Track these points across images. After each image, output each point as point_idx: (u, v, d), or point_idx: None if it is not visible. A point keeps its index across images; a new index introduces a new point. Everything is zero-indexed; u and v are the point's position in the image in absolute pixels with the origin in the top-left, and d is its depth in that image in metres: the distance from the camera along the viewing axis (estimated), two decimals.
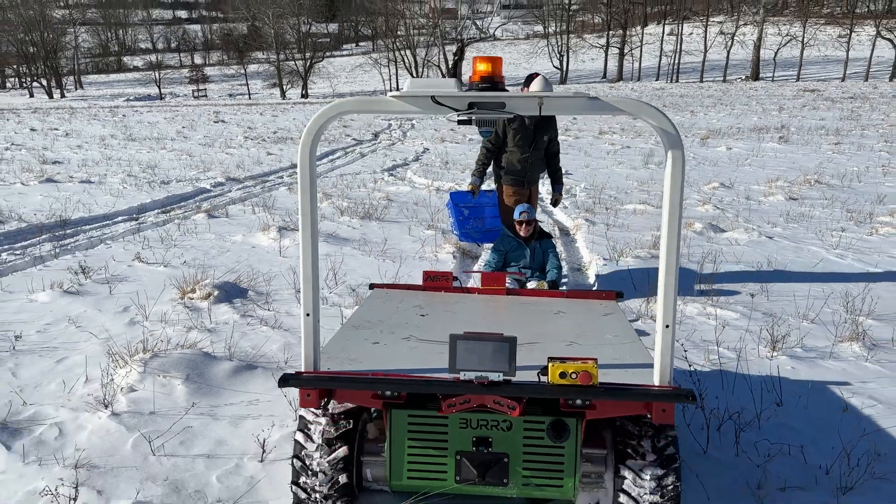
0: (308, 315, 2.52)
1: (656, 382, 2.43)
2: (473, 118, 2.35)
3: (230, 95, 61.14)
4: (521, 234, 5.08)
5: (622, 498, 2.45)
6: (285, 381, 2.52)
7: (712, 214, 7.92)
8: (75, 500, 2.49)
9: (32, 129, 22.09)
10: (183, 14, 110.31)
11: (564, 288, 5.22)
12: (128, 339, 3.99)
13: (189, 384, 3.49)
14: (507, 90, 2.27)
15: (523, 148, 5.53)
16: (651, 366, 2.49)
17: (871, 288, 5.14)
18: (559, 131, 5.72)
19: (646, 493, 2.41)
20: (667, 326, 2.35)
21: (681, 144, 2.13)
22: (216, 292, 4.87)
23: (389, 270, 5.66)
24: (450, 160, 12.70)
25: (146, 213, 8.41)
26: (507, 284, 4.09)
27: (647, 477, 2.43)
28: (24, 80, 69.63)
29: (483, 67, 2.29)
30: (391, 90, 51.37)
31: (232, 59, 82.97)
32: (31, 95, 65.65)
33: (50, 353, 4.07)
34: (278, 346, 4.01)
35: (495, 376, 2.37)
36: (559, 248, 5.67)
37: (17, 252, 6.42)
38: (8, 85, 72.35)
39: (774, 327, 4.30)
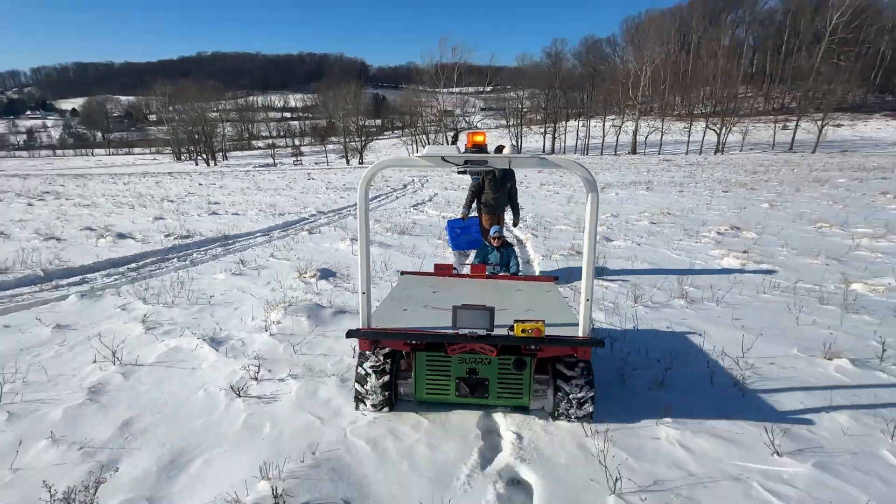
0: (363, 293, 2.76)
1: (580, 335, 2.66)
2: (468, 170, 2.65)
3: (316, 164, 72.43)
4: (494, 244, 5.40)
5: (559, 402, 2.74)
6: (350, 334, 2.78)
7: (604, 231, 9.01)
8: (258, 373, 3.28)
9: (199, 184, 24.68)
10: (288, 115, 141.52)
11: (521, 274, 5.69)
12: (273, 298, 4.96)
13: (309, 320, 4.27)
14: (488, 153, 2.61)
15: (495, 191, 5.98)
16: (577, 324, 2.74)
17: (693, 270, 6.23)
18: (517, 182, 6.37)
19: (574, 398, 2.69)
20: (587, 300, 2.58)
21: (597, 189, 2.36)
22: (318, 273, 5.86)
23: (416, 263, 6.57)
24: (451, 200, 14.48)
25: (273, 231, 9.59)
26: (486, 272, 4.36)
27: (574, 389, 2.69)
28: (191, 155, 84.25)
29: (477, 140, 2.56)
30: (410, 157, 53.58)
31: (317, 141, 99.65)
32: (196, 164, 78.38)
33: (230, 305, 4.88)
34: (354, 302, 4.90)
35: (481, 331, 2.62)
36: (517, 251, 6.43)
37: (203, 252, 7.53)
38: (182, 158, 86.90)
39: (637, 291, 5.17)
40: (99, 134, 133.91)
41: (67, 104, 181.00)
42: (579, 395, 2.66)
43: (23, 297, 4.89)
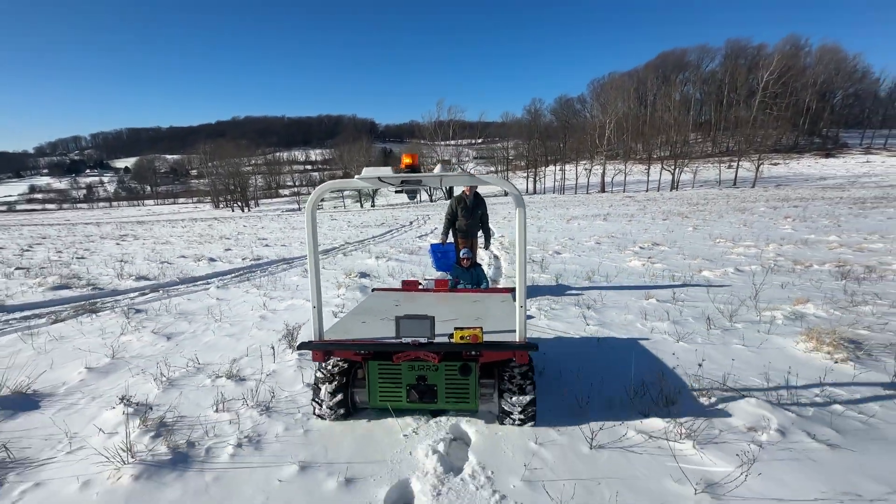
0: (314, 307, 2.57)
1: (517, 339, 2.49)
2: (404, 189, 2.53)
3: (334, 207, 75.25)
4: (464, 265, 5.42)
5: (503, 403, 2.58)
6: (301, 346, 2.56)
7: (559, 248, 10.51)
8: (337, 313, 5.06)
9: (244, 226, 26.20)
10: (309, 167, 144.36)
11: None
12: (337, 284, 6.80)
13: (361, 293, 6.18)
14: (420, 172, 2.37)
15: (467, 217, 6.08)
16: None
17: (604, 267, 7.98)
18: (488, 213, 6.46)
19: (515, 399, 2.54)
20: (521, 307, 2.42)
21: (524, 204, 2.23)
22: (358, 274, 7.57)
23: (419, 271, 8.13)
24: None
25: (270, 264, 10.55)
26: (448, 286, 4.19)
27: (516, 391, 2.54)
28: (227, 203, 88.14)
29: (407, 161, 2.36)
30: (418, 202, 55.44)
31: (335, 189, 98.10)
32: (233, 210, 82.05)
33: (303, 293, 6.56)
34: (387, 281, 6.81)
35: (423, 339, 2.47)
36: (487, 269, 7.53)
37: (275, 267, 9.21)
38: (220, 206, 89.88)
39: (562, 278, 6.70)
40: (148, 187, 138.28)
41: (121, 163, 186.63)
42: (521, 398, 2.54)
43: (178, 290, 6.79)
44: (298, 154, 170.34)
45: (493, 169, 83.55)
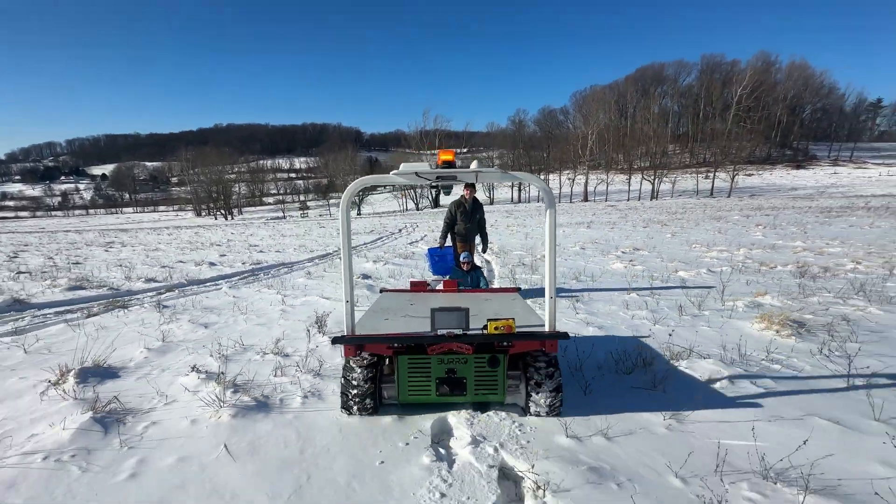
0: (347, 302, 2.65)
1: (546, 329, 2.58)
2: (439, 184, 2.58)
3: (320, 216, 74.16)
4: (464, 268, 5.54)
5: (531, 394, 2.64)
6: (336, 340, 2.59)
7: (526, 250, 11.34)
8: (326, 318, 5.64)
9: (232, 233, 25.74)
10: (293, 175, 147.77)
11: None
12: (339, 285, 7.02)
13: (368, 291, 6.70)
14: (456, 168, 2.46)
15: (466, 222, 6.21)
16: (542, 324, 2.62)
17: (588, 268, 8.75)
18: (486, 217, 6.79)
19: (543, 389, 2.62)
20: (551, 297, 2.54)
21: (554, 202, 2.42)
22: (361, 275, 8.06)
23: (416, 273, 8.63)
24: (433, 239, 16.14)
25: (313, 260, 11.48)
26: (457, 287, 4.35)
27: (543, 380, 2.61)
28: (210, 211, 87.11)
29: (446, 157, 2.48)
30: (404, 210, 55.24)
31: (319, 196, 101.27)
32: (216, 218, 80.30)
33: (315, 290, 7.36)
34: (389, 282, 7.31)
35: (458, 331, 2.53)
36: (485, 271, 7.34)
37: (276, 271, 9.66)
38: (202, 213, 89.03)
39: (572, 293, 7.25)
40: (126, 195, 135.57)
41: (98, 170, 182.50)
42: (548, 388, 2.60)
43: (192, 289, 7.19)
44: (283, 162, 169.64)
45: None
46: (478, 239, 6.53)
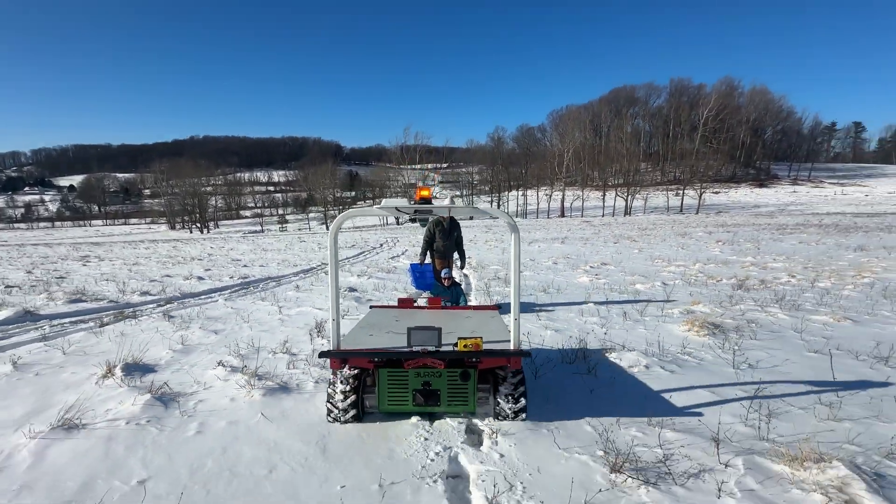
0: (333, 319, 2.91)
1: (511, 347, 2.87)
2: (417, 217, 2.98)
3: (299, 230, 73.47)
4: (444, 284, 5.75)
5: (498, 406, 2.96)
6: (322, 354, 2.88)
7: (502, 265, 11.62)
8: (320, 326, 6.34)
9: (212, 247, 25.89)
10: (271, 188, 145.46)
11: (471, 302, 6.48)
12: (328, 298, 7.71)
13: (356, 303, 7.54)
14: (432, 204, 2.89)
15: (444, 240, 6.46)
16: (510, 341, 2.89)
17: (556, 281, 9.72)
18: (464, 234, 7.54)
19: (509, 401, 2.92)
20: (515, 319, 2.86)
21: (518, 231, 2.73)
22: (348, 289, 8.69)
23: (399, 287, 9.36)
24: (414, 254, 16.95)
25: (298, 274, 11.86)
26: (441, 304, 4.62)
27: (509, 394, 2.92)
28: (184, 224, 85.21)
29: (423, 194, 2.88)
30: (384, 224, 56.13)
31: (298, 210, 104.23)
32: (191, 232, 78.71)
33: (307, 302, 7.99)
34: (372, 299, 7.99)
35: (431, 347, 2.82)
36: (463, 285, 7.39)
37: (266, 284, 10.27)
38: (176, 227, 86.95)
39: (525, 291, 8.07)
40: (95, 207, 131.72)
41: (66, 181, 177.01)
42: (514, 399, 2.87)
43: (189, 302, 7.72)
44: (261, 175, 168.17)
45: (457, 193, 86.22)
46: (456, 255, 6.87)
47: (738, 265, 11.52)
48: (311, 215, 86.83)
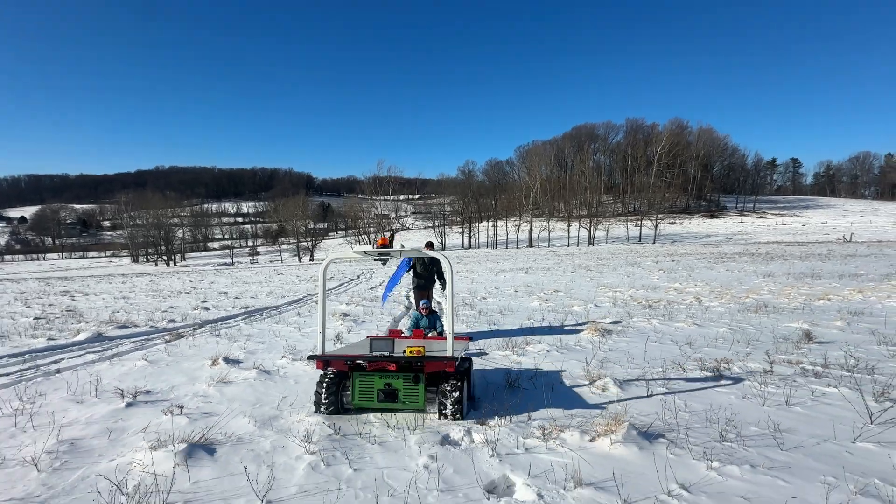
0: (321, 332, 3.80)
1: (448, 354, 3.58)
2: (381, 259, 4.07)
3: (271, 261, 77.22)
4: (423, 314, 6.32)
5: (442, 405, 3.61)
6: (309, 357, 3.75)
7: (486, 294, 14.41)
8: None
9: (190, 280, 26.49)
10: (240, 219, 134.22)
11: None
12: (329, 320, 9.80)
13: (354, 324, 9.48)
14: (392, 248, 3.82)
15: (425, 271, 7.70)
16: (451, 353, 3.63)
17: (511, 306, 11.96)
18: (444, 269, 8.99)
19: (449, 400, 3.56)
20: (451, 334, 3.71)
21: (451, 268, 3.63)
22: (344, 315, 10.56)
23: (386, 312, 11.38)
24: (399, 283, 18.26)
25: (292, 304, 13.42)
26: (423, 335, 5.60)
27: (449, 392, 3.57)
28: (149, 257, 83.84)
29: (383, 242, 3.78)
30: (355, 261, 58.73)
31: (268, 242, 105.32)
32: (157, 265, 77.50)
33: (310, 325, 9.72)
34: (366, 325, 10.06)
35: (386, 353, 3.67)
36: (442, 317, 8.02)
37: (269, 313, 12.07)
38: (139, 260, 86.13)
39: (486, 314, 10.44)
40: (49, 239, 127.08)
41: (16, 212, 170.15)
42: (451, 399, 3.45)
43: (217, 326, 9.61)
44: (229, 206, 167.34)
45: (430, 224, 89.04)
46: (438, 286, 8.24)
47: (663, 290, 14.20)
48: (284, 247, 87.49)
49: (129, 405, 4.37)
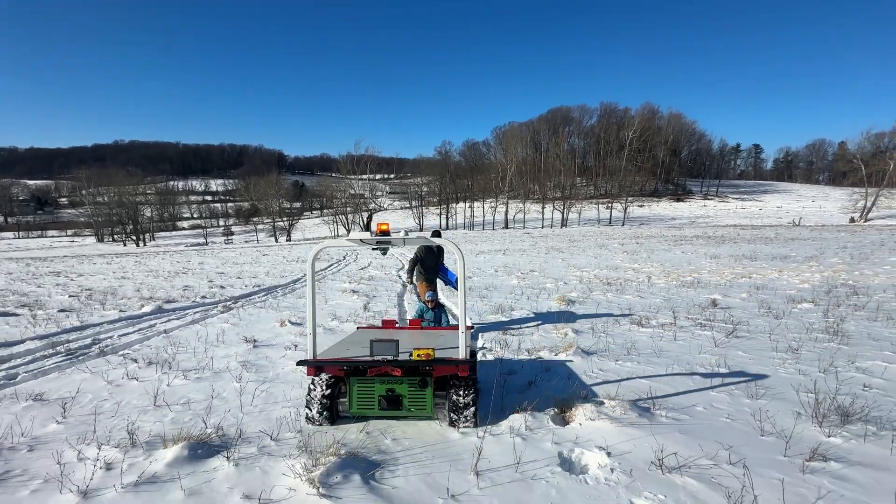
0: (310, 333, 3.39)
1: (460, 357, 3.21)
2: (380, 247, 3.44)
3: (246, 242, 76.84)
4: (429, 306, 6.09)
5: (453, 410, 3.27)
6: (299, 363, 3.33)
7: (468, 275, 16.49)
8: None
9: (177, 262, 26.67)
10: (209, 198, 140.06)
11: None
12: (332, 299, 11.86)
13: (367, 298, 11.43)
14: (390, 235, 3.31)
15: (431, 262, 7.56)
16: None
17: (494, 284, 13.97)
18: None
19: (461, 405, 3.24)
20: (462, 332, 3.27)
21: (463, 257, 3.23)
22: (351, 292, 12.48)
23: (383, 299, 13.33)
24: (384, 265, 20.50)
25: (290, 284, 15.04)
26: (421, 325, 5.10)
27: (461, 398, 3.24)
28: (115, 237, 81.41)
29: (383, 228, 3.32)
30: (335, 236, 58.39)
31: (241, 222, 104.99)
32: (125, 245, 75.29)
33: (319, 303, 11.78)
34: (369, 306, 12.02)
35: (389, 357, 3.22)
36: (448, 307, 8.49)
37: (281, 290, 13.84)
38: (104, 240, 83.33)
39: (481, 294, 12.61)
40: (1, 217, 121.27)
41: None
42: (464, 405, 3.16)
43: (249, 300, 11.44)
44: (197, 184, 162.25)
45: (406, 205, 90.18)
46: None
47: (623, 270, 16.72)
48: (259, 227, 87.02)
49: (255, 346, 6.36)
